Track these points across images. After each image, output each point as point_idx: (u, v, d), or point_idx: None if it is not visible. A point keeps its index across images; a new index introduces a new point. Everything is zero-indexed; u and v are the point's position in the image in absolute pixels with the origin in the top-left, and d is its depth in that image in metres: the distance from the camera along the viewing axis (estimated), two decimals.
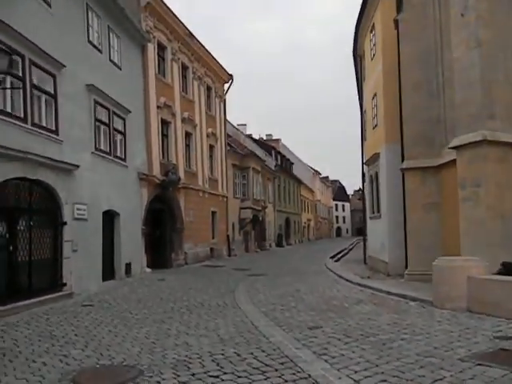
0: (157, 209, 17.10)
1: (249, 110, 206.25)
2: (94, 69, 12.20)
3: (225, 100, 26.53)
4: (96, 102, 12.23)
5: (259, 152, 35.84)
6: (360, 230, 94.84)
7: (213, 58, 23.62)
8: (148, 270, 15.30)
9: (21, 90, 8.83)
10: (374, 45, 17.42)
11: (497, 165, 9.16)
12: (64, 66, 10.39)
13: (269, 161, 37.12)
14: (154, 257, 16.78)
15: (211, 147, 23.33)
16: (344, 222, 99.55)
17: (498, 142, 9.12)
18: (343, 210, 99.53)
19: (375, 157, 16.57)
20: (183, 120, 19.49)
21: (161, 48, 18.27)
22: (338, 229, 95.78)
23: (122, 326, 6.88)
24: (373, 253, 17.92)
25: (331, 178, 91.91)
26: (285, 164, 46.29)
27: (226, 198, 25.03)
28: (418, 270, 12.07)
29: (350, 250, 33.22)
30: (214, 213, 22.83)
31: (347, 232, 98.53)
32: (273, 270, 16.49)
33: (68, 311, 8.29)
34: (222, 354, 5.18)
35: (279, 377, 4.36)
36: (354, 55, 22.71)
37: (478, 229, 9.08)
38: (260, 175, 31.25)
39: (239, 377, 4.37)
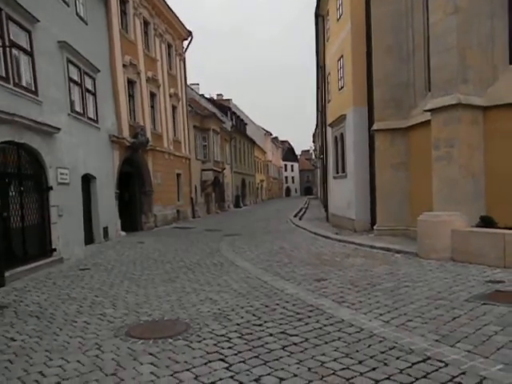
0: (126, 172, 16.81)
1: (197, 69, 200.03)
2: (63, 24, 11.53)
3: (184, 58, 25.83)
4: (68, 61, 11.64)
5: (216, 113, 35.49)
6: (308, 190, 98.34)
7: (173, 12, 22.73)
8: (123, 233, 15.24)
9: (0, 49, 8.27)
10: (341, 5, 17.51)
11: (469, 127, 9.90)
12: (38, 20, 9.76)
13: (225, 122, 36.91)
14: (125, 220, 16.64)
15: (174, 108, 22.89)
16: (293, 182, 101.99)
17: (470, 105, 9.80)
18: (292, 170, 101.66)
19: (341, 118, 17.04)
20: (148, 80, 18.93)
21: (122, 1, 17.35)
22: (288, 189, 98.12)
23: (136, 287, 7.06)
24: (337, 211, 18.78)
25: (280, 138, 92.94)
26: (239, 125, 46.18)
27: (189, 159, 24.89)
28: (387, 225, 13.00)
29: (306, 209, 34.38)
30: (178, 175, 22.74)
31: (296, 192, 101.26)
32: (244, 230, 16.95)
33: (69, 275, 8.29)
34: (251, 306, 5.57)
35: (316, 322, 4.83)
36: (316, 14, 22.69)
37: (451, 186, 9.88)
38: (219, 136, 31.15)
39: (280, 324, 4.79)
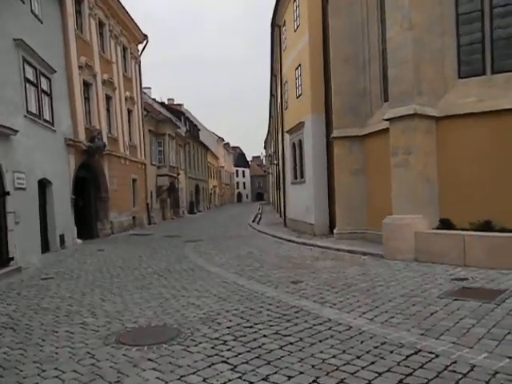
0: (81, 177, 16.20)
1: (146, 72, 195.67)
2: (18, 21, 11.03)
3: (140, 62, 25.36)
4: (24, 60, 11.12)
5: (171, 117, 35.05)
6: (259, 195, 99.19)
7: (128, 14, 22.31)
8: (79, 241, 14.67)
9: None
10: (298, 17, 18.02)
11: (424, 135, 10.52)
12: None
13: (180, 127, 36.55)
14: (80, 227, 16.01)
15: (129, 112, 22.39)
16: (244, 187, 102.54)
17: (425, 115, 10.42)
18: (243, 176, 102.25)
19: (300, 125, 17.47)
20: (104, 82, 18.41)
21: (77, 1, 16.81)
22: (239, 194, 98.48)
23: (110, 294, 6.86)
24: (295, 216, 19.14)
25: (232, 144, 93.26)
26: (193, 130, 45.84)
27: (145, 165, 24.39)
28: (347, 229, 13.44)
29: (261, 214, 34.72)
30: (134, 180, 22.22)
31: (247, 197, 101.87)
32: (205, 236, 16.86)
33: (32, 285, 7.88)
34: (236, 310, 5.60)
35: (305, 322, 4.95)
36: (272, 24, 23.15)
37: (409, 191, 10.40)
38: (174, 142, 30.78)
39: (271, 325, 4.86)
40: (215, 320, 5.17)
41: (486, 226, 7.51)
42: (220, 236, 16.74)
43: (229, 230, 19.90)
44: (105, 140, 17.34)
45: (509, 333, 4.13)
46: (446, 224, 8.37)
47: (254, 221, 24.65)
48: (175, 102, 51.25)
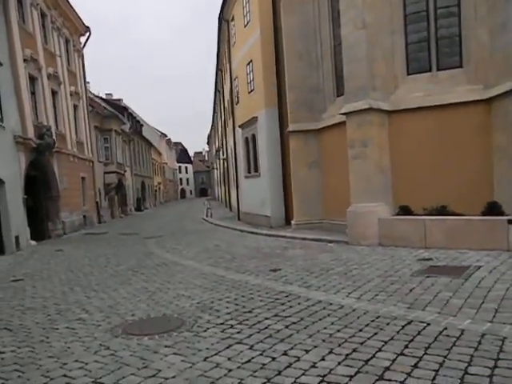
0: (30, 176, 15.46)
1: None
2: None
3: (83, 55, 24.41)
4: None
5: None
6: (203, 191, 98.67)
7: (70, 5, 21.39)
8: (33, 242, 14.05)
9: None
10: (248, 12, 18.29)
11: (379, 128, 11.22)
12: None
13: (126, 123, 35.60)
14: (31, 228, 15.30)
15: (75, 107, 21.55)
16: (188, 183, 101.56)
17: (379, 109, 11.16)
18: (186, 171, 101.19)
19: (253, 120, 17.81)
20: (49, 76, 17.60)
21: None
22: (183, 190, 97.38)
23: (93, 292, 6.81)
24: (249, 209, 19.50)
25: (173, 140, 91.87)
26: (136, 126, 44.72)
27: (92, 162, 23.61)
28: (304, 219, 14.01)
29: (210, 209, 34.75)
30: (83, 178, 21.47)
31: (191, 193, 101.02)
32: (163, 232, 16.78)
33: (4, 287, 7.59)
34: (228, 298, 5.84)
35: (299, 304, 5.30)
36: (219, 19, 23.20)
37: (365, 181, 11.07)
38: (120, 138, 29.97)
39: (268, 309, 5.16)
40: (212, 308, 5.39)
41: (443, 211, 8.30)
42: (178, 231, 16.73)
43: (184, 225, 19.89)
44: (54, 137, 16.63)
45: (483, 302, 4.75)
46: (405, 210, 9.11)
47: (206, 216, 24.71)
48: (114, 97, 49.63)
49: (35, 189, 16.18)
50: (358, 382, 3.10)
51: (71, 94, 20.81)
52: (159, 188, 58.46)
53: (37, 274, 8.77)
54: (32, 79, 15.95)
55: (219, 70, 32.38)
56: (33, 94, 16.05)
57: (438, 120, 10.27)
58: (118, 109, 37.92)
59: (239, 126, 20.44)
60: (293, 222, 14.32)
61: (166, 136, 70.80)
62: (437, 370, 3.19)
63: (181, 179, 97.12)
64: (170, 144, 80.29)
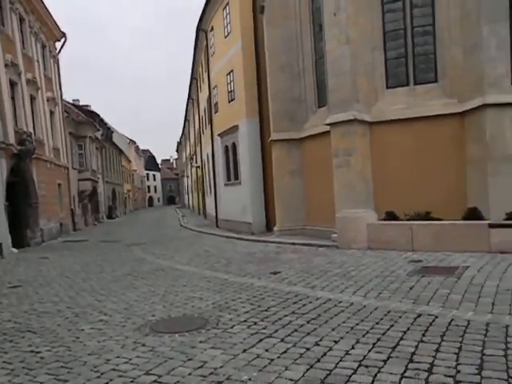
0: (9, 182, 15.14)
1: None
2: None
3: (58, 60, 24.07)
4: None
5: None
6: (171, 199, 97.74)
7: (47, 10, 21.14)
8: (15, 250, 13.77)
9: None
10: (229, 24, 18.72)
11: (362, 139, 11.82)
12: None
13: (100, 129, 35.11)
14: (10, 236, 14.98)
15: (52, 113, 21.21)
16: (155, 191, 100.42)
17: (362, 121, 11.75)
18: (154, 179, 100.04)
19: (234, 129, 18.17)
20: (28, 82, 17.35)
21: None
22: (150, 198, 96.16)
23: (102, 296, 6.89)
24: (229, 216, 19.75)
25: (141, 147, 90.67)
26: (107, 133, 44.04)
27: (68, 169, 23.22)
28: (287, 225, 14.43)
29: (184, 217, 34.70)
30: (59, 185, 21.09)
31: (159, 201, 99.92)
32: (145, 239, 16.78)
33: (5, 294, 7.51)
34: (241, 298, 6.12)
35: (310, 303, 5.66)
36: (197, 29, 23.51)
37: (349, 189, 11.56)
38: (94, 145, 29.57)
39: (283, 307, 5.49)
40: (229, 307, 5.66)
41: (427, 216, 8.91)
42: (160, 238, 16.77)
43: (165, 232, 19.91)
44: (33, 143, 16.38)
45: (479, 297, 5.27)
46: (391, 216, 9.68)
47: (183, 223, 24.75)
48: (81, 103, 48.59)
49: (15, 195, 15.84)
50: (393, 364, 3.49)
51: (48, 100, 20.50)
52: (129, 195, 57.66)
53: (33, 281, 8.71)
54: (12, 84, 15.70)
55: (193, 78, 32.58)
56: (12, 99, 15.79)
57: (416, 131, 10.94)
58: (89, 115, 37.35)
59: (218, 135, 20.68)
60: (275, 228, 14.69)
61: (134, 143, 69.99)
62: (457, 353, 3.62)
63: (149, 187, 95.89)
64: (138, 151, 79.32)
